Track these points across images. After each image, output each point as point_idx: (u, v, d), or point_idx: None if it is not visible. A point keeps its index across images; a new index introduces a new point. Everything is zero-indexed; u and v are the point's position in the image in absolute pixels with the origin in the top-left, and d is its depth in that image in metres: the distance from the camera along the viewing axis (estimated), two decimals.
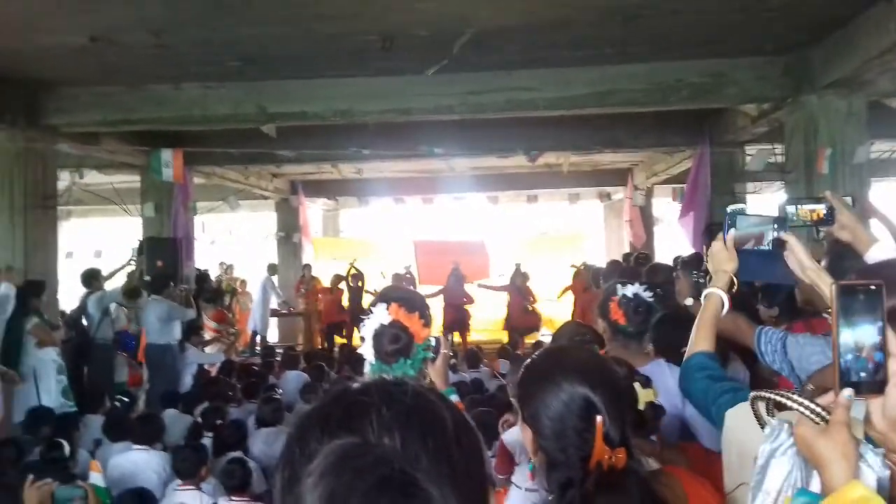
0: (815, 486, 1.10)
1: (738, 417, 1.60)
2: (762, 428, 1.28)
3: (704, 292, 1.88)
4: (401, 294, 1.92)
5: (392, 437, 0.72)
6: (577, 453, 1.37)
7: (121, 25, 5.12)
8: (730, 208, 2.06)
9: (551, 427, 1.41)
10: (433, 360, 1.89)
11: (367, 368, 1.89)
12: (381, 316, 1.84)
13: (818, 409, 1.12)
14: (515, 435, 2.83)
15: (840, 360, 1.09)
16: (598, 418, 1.36)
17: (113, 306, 7.76)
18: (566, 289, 10.69)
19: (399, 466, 0.69)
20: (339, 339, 11.51)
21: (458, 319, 11.00)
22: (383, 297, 1.90)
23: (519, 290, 11.12)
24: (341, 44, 5.59)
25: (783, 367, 2.27)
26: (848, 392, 1.08)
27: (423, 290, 11.78)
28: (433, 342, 1.91)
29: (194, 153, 8.33)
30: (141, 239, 8.83)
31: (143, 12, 4.89)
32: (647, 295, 2.81)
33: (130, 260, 8.25)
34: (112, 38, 5.30)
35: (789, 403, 1.19)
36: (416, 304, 1.89)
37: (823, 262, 2.86)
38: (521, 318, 10.93)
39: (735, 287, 1.90)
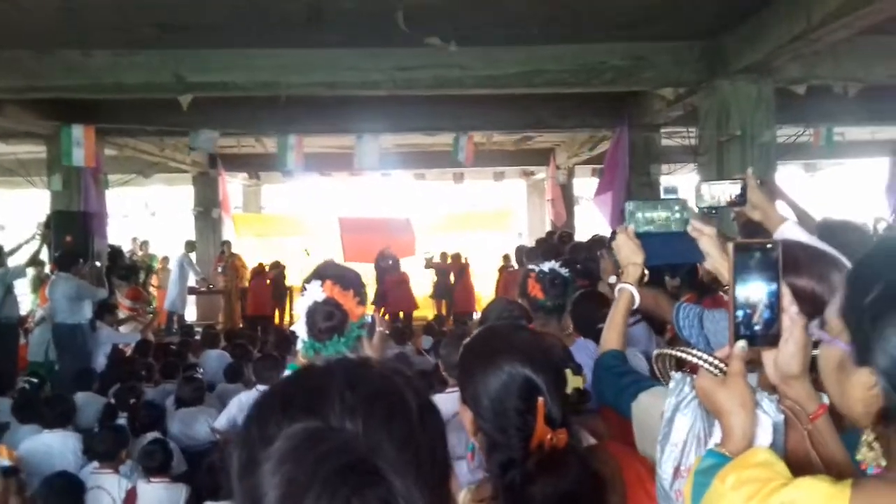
0: (718, 434, 1.16)
1: (640, 407, 1.67)
2: (666, 384, 1.35)
3: (616, 287, 1.91)
4: (335, 271, 1.89)
5: (355, 422, 0.70)
6: (518, 434, 1.37)
7: None
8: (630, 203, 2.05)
9: (491, 408, 1.41)
10: (370, 338, 1.88)
11: (299, 346, 1.87)
12: (315, 293, 1.81)
13: (716, 362, 1.18)
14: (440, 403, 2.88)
15: (735, 315, 1.16)
16: (540, 399, 1.36)
17: None
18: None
19: (361, 454, 0.67)
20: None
21: (404, 298, 11.06)
22: (318, 273, 1.87)
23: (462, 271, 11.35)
24: (265, 13, 5.40)
25: (699, 341, 2.38)
26: (742, 344, 1.15)
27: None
28: (369, 320, 1.90)
29: (108, 126, 7.94)
30: (49, 213, 8.37)
31: None
32: (563, 270, 2.88)
33: (35, 234, 7.81)
34: None
35: (689, 358, 1.25)
36: (350, 282, 1.87)
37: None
38: (466, 302, 11.12)
39: (646, 278, 1.95)
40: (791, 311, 1.16)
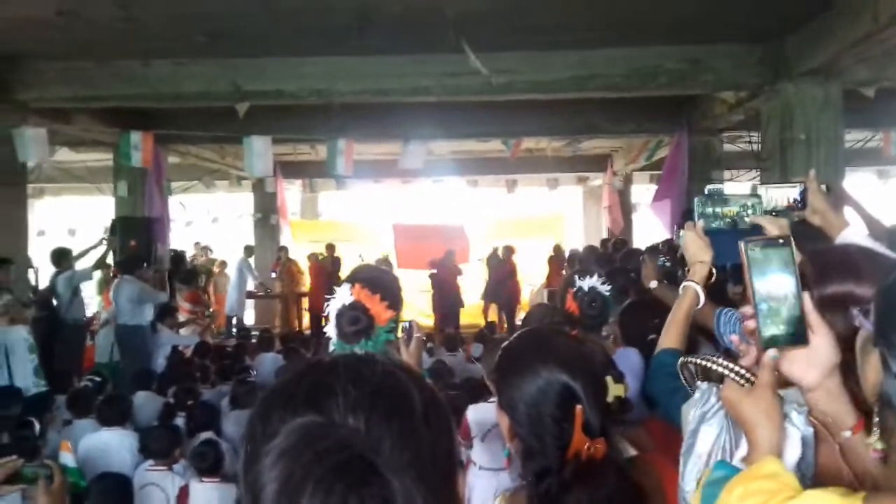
0: (744, 447, 1.10)
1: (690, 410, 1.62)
2: (692, 393, 1.28)
3: (682, 285, 1.83)
4: (368, 274, 1.90)
5: (357, 418, 0.70)
6: (555, 442, 1.34)
7: None
8: (708, 188, 1.93)
9: (528, 414, 1.37)
10: (407, 344, 1.87)
11: (331, 348, 1.88)
12: (343, 296, 1.82)
13: (743, 371, 1.12)
14: (480, 413, 2.83)
15: (757, 315, 1.08)
16: (578, 407, 1.32)
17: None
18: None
19: (359, 451, 0.67)
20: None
21: (452, 297, 11.16)
22: (351, 277, 1.88)
23: (500, 264, 11.32)
24: (315, 21, 5.46)
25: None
26: (772, 353, 1.08)
27: (402, 273, 11.88)
28: (406, 325, 1.88)
29: (168, 132, 8.21)
30: (114, 218, 8.70)
31: None
32: (604, 288, 2.74)
33: (102, 239, 8.13)
34: (79, 11, 5.14)
35: (714, 367, 1.19)
36: (380, 285, 1.87)
37: None
38: (504, 288, 11.12)
39: (714, 277, 1.87)
40: (814, 321, 1.08)
